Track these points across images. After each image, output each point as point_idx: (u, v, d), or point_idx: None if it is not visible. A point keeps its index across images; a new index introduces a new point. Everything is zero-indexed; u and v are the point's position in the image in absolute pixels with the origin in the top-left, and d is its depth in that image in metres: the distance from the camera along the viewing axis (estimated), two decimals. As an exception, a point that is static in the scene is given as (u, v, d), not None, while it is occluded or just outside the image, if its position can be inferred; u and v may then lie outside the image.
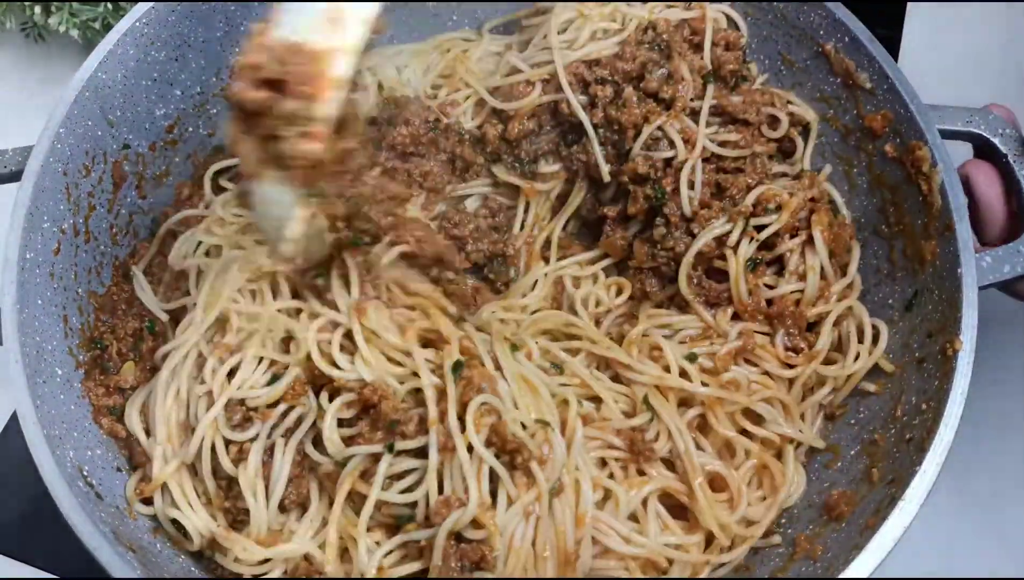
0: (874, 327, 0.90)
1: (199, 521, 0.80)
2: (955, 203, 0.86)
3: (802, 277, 0.91)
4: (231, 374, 0.81)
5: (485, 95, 1.01)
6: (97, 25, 1.21)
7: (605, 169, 0.94)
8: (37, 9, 1.23)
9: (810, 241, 0.91)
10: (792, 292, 0.91)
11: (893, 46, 1.28)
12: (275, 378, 0.80)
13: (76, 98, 0.88)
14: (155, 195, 0.99)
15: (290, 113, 0.69)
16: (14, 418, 0.96)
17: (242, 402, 0.80)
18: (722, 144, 0.93)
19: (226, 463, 0.80)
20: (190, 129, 1.02)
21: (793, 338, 0.91)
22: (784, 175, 0.97)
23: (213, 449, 0.80)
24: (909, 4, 1.33)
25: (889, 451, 0.84)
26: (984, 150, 0.92)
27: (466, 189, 1.00)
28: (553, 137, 0.98)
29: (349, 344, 0.81)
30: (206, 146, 1.04)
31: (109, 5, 1.21)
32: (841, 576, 0.73)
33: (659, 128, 0.92)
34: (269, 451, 0.80)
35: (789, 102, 0.99)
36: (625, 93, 0.93)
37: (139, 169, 0.97)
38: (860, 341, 0.90)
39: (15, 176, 0.86)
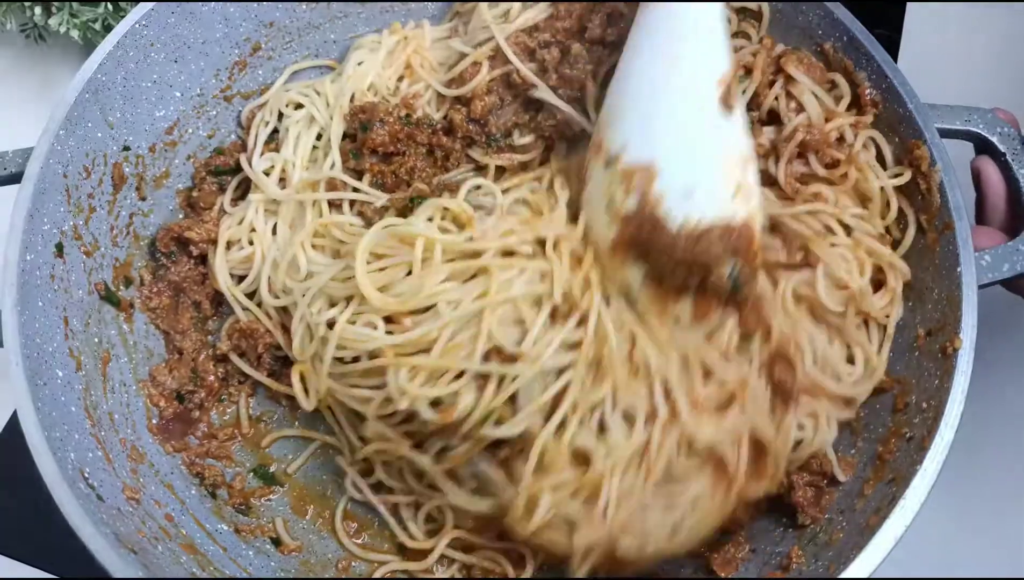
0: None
1: None
2: (954, 202, 0.86)
3: (800, 108, 0.92)
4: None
5: (439, 87, 1.00)
6: (97, 26, 1.21)
7: (583, 121, 0.93)
8: (37, 10, 1.23)
9: (790, 80, 0.92)
10: (798, 126, 0.91)
11: (893, 46, 1.28)
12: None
13: (76, 99, 0.88)
14: (155, 197, 0.99)
15: None
16: (14, 418, 0.96)
17: None
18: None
19: None
20: (190, 130, 1.02)
21: (825, 156, 0.91)
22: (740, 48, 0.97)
23: None
24: (909, 4, 1.33)
25: (889, 450, 0.84)
26: (983, 149, 0.92)
27: (452, 177, 0.99)
28: (517, 108, 0.97)
29: None
30: (206, 147, 1.04)
31: (109, 6, 1.20)
32: (841, 576, 0.73)
33: (614, 67, 0.90)
34: None
35: None
36: (573, 49, 0.93)
37: (139, 171, 0.97)
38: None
39: (15, 178, 0.86)
